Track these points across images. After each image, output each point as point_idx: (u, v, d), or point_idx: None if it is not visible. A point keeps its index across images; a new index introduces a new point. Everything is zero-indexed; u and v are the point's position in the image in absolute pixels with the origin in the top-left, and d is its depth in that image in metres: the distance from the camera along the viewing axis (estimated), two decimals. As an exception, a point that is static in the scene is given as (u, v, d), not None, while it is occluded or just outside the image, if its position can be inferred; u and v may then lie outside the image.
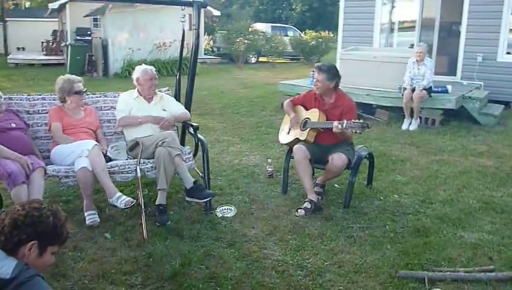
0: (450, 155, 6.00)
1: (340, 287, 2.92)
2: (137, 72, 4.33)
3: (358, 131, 3.87)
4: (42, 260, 1.86)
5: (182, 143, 4.60)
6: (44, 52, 19.97)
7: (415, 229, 3.74)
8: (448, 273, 3.04)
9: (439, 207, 4.25)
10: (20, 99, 4.23)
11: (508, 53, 9.33)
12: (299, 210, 4.02)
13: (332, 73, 4.18)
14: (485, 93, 8.60)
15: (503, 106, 8.61)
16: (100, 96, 4.58)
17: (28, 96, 4.30)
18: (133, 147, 4.09)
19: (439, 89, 7.86)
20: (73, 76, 4.22)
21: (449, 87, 8.00)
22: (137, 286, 2.92)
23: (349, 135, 4.09)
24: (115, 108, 4.36)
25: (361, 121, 3.93)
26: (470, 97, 7.96)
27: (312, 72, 9.03)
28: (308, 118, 4.29)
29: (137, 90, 4.34)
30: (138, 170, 3.84)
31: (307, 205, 4.02)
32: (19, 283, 1.69)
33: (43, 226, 1.83)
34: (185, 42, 4.78)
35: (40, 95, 4.37)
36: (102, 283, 2.93)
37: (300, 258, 3.28)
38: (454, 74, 9.76)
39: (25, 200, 1.92)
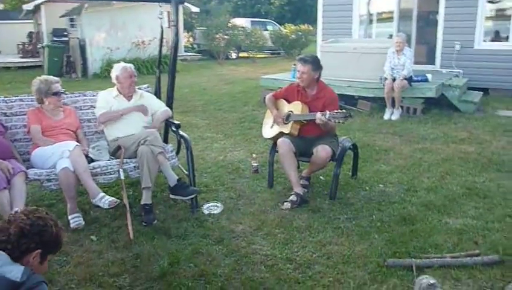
0: (432, 143, 6.06)
1: (330, 279, 2.93)
2: (116, 70, 4.27)
3: (341, 121, 3.88)
4: (41, 268, 1.94)
5: (165, 141, 4.56)
6: (21, 55, 19.56)
7: (401, 218, 3.78)
8: (435, 259, 3.07)
9: (424, 195, 4.29)
10: (-3, 102, 4.13)
11: (485, 41, 9.46)
12: (285, 203, 4.02)
13: (317, 64, 4.20)
14: (464, 80, 8.71)
15: (482, 92, 8.73)
16: (79, 96, 4.50)
17: (5, 98, 4.19)
18: (115, 152, 4.05)
19: (419, 78, 7.93)
20: (51, 77, 4.13)
21: (429, 76, 8.08)
22: (126, 288, 2.89)
23: (332, 126, 4.10)
24: (95, 107, 4.30)
25: (343, 111, 3.94)
26: (449, 85, 8.06)
27: (294, 66, 9.06)
28: (291, 111, 4.29)
29: (117, 89, 4.28)
30: (121, 173, 3.80)
31: (293, 197, 4.03)
32: (28, 288, 1.76)
33: (47, 235, 1.91)
34: (164, 39, 4.73)
35: (17, 96, 4.27)
36: (89, 286, 2.89)
37: (288, 251, 3.28)
38: (434, 63, 9.86)
39: (26, 208, 1.97)
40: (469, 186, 4.45)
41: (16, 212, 1.99)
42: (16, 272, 1.78)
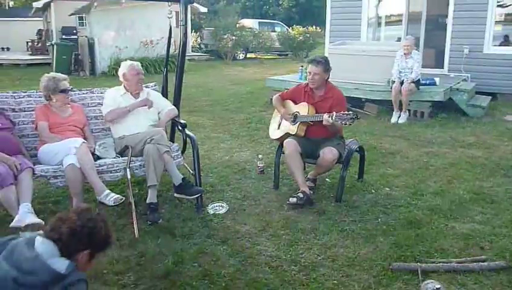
0: (439, 147, 6.03)
1: (334, 281, 2.92)
2: (123, 68, 4.28)
3: (348, 123, 3.86)
4: (88, 265, 1.98)
5: (171, 140, 4.57)
6: (30, 52, 19.70)
7: (407, 222, 3.76)
8: (441, 264, 3.05)
9: (430, 199, 4.27)
10: (6, 97, 4.15)
11: (497, 45, 9.39)
12: (291, 198, 4.01)
13: (327, 64, 4.21)
14: (472, 85, 8.66)
15: (490, 97, 8.67)
16: (87, 93, 4.51)
17: (13, 94, 4.22)
18: (123, 150, 4.06)
19: (427, 82, 7.90)
20: (59, 74, 4.14)
21: (437, 79, 8.05)
22: (130, 286, 2.89)
23: (339, 127, 4.09)
24: (102, 104, 4.30)
25: (350, 112, 3.92)
26: (457, 89, 8.01)
27: (301, 67, 9.06)
28: (297, 112, 4.28)
29: (124, 87, 4.29)
30: (128, 172, 3.81)
31: (300, 195, 4.01)
32: (70, 283, 1.82)
33: (97, 237, 1.95)
34: (172, 39, 4.74)
35: (25, 92, 4.29)
36: (94, 283, 2.88)
37: (293, 253, 3.27)
38: (442, 67, 9.81)
39: (78, 207, 2.03)
40: (476, 191, 4.42)
41: (68, 209, 2.03)
42: (61, 264, 1.83)
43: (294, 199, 3.99)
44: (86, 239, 1.91)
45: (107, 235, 2.01)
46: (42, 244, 1.87)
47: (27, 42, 20.68)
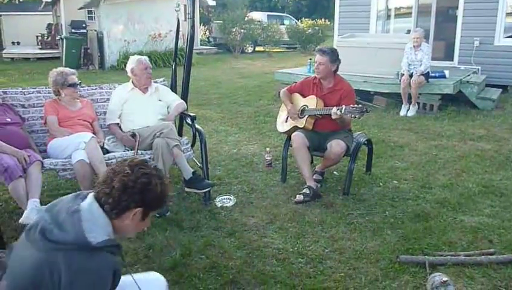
0: (448, 140, 5.99)
1: (341, 274, 2.92)
2: (131, 63, 4.29)
3: (357, 116, 3.85)
4: (142, 224, 1.83)
5: (180, 134, 4.58)
6: (40, 46, 19.82)
7: (414, 215, 3.74)
8: (449, 257, 3.04)
9: (439, 192, 4.25)
10: (15, 93, 4.19)
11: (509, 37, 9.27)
12: (297, 196, 4.02)
13: (335, 55, 4.18)
14: (482, 77, 8.57)
15: (500, 89, 8.58)
16: (96, 89, 4.55)
17: (23, 90, 4.26)
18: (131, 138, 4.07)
19: (437, 74, 7.83)
20: (67, 68, 4.16)
21: (446, 72, 7.97)
22: (138, 277, 2.92)
23: (347, 120, 4.08)
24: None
25: (360, 105, 3.91)
26: (467, 82, 7.93)
27: (309, 60, 9.03)
28: (305, 105, 4.27)
29: (132, 82, 4.31)
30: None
31: (306, 191, 4.02)
32: (93, 255, 1.64)
33: (151, 194, 1.76)
34: (181, 32, 4.74)
35: (35, 88, 4.33)
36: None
37: (300, 245, 3.28)
38: (452, 59, 9.71)
39: (132, 159, 1.81)
40: (485, 184, 4.39)
41: (123, 160, 1.83)
42: (95, 235, 1.65)
43: (301, 197, 3.99)
44: (138, 196, 1.73)
45: (163, 193, 1.81)
46: (89, 203, 1.72)
47: (37, 36, 20.81)
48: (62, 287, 1.57)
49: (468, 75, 8.37)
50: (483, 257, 3.03)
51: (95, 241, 1.63)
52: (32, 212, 3.32)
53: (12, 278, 1.68)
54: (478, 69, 9.15)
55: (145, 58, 4.35)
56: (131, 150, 4.01)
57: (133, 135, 4.02)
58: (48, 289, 1.59)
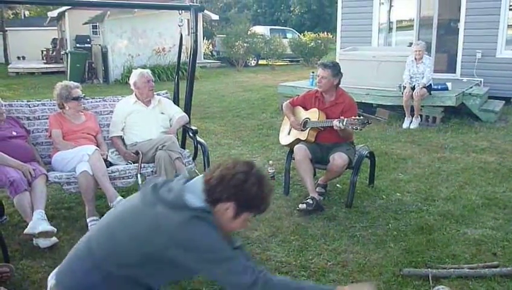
0: (451, 152, 5.99)
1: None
2: (134, 77, 4.35)
3: (358, 128, 3.87)
4: (234, 223, 1.83)
5: (183, 146, 4.60)
6: (45, 61, 20.00)
7: (418, 227, 3.74)
8: (453, 270, 3.03)
9: (442, 204, 4.24)
10: (21, 106, 4.24)
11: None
12: (300, 204, 4.02)
13: (337, 69, 4.21)
14: (485, 89, 8.59)
15: (503, 102, 8.59)
16: (100, 101, 4.59)
17: (28, 103, 4.31)
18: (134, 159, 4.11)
19: (439, 87, 7.85)
20: (71, 82, 4.22)
21: (449, 84, 7.99)
22: None
23: (349, 132, 4.10)
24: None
25: (361, 118, 3.93)
26: (470, 94, 7.95)
27: (312, 73, 9.09)
28: (308, 118, 4.29)
29: (135, 95, 4.35)
30: (139, 178, 3.85)
31: (309, 201, 4.01)
32: (192, 216, 1.71)
33: (245, 192, 1.78)
34: (184, 47, 4.79)
35: (40, 101, 4.39)
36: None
37: (303, 258, 3.28)
38: (454, 71, 9.75)
39: (243, 160, 1.86)
40: (488, 197, 4.38)
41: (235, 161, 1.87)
42: (195, 201, 1.76)
43: (304, 205, 3.99)
44: (231, 189, 1.76)
45: (258, 195, 1.80)
46: (197, 180, 1.83)
47: (42, 51, 21.03)
48: (163, 235, 1.70)
49: (471, 88, 8.39)
50: (486, 269, 3.02)
51: (193, 204, 1.74)
52: (37, 223, 3.34)
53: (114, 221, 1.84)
54: (480, 81, 9.17)
55: (147, 71, 4.41)
56: (133, 163, 4.04)
57: (137, 153, 4.05)
58: (148, 239, 1.72)
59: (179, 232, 1.70)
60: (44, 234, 3.34)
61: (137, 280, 1.81)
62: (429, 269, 3.02)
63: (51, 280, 1.89)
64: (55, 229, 3.42)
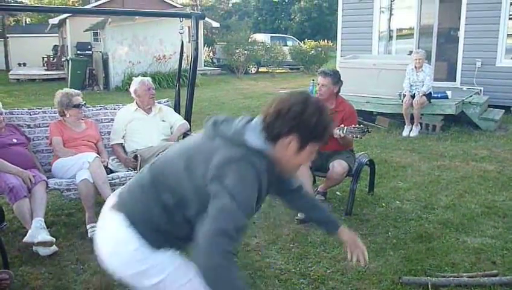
0: (451, 160, 6.00)
1: (344, 295, 2.91)
2: (134, 84, 4.37)
3: (359, 136, 3.88)
4: (300, 157, 1.75)
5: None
6: (45, 68, 20.09)
7: (417, 235, 3.74)
8: (452, 278, 3.02)
9: (442, 212, 4.24)
10: (21, 114, 4.25)
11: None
12: (299, 214, 4.01)
13: (337, 77, 4.23)
14: (485, 98, 8.61)
15: (503, 110, 8.61)
16: (100, 109, 4.61)
17: (29, 110, 4.33)
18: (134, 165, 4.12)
19: (439, 95, 7.88)
20: (72, 90, 4.24)
21: (449, 93, 8.02)
22: (140, 298, 2.91)
23: (349, 140, 4.10)
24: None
25: (361, 126, 3.94)
26: (470, 102, 7.97)
27: (312, 81, 9.11)
28: (307, 126, 4.30)
29: (136, 103, 4.37)
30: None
31: (308, 209, 4.01)
32: (245, 155, 1.65)
33: (305, 123, 1.69)
34: (185, 54, 4.81)
35: (40, 109, 4.40)
36: (105, 295, 2.92)
37: (303, 266, 3.28)
38: (454, 80, 9.78)
39: (285, 94, 1.78)
40: (488, 205, 4.38)
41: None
42: (255, 141, 1.70)
43: (303, 215, 3.99)
44: (290, 122, 1.68)
45: (320, 123, 1.72)
46: (257, 120, 1.77)
47: (43, 58, 21.12)
48: (210, 168, 1.64)
49: (471, 96, 8.42)
50: (486, 278, 3.01)
51: (250, 143, 1.68)
52: (36, 231, 3.33)
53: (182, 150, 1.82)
54: (480, 90, 9.20)
55: (147, 79, 4.43)
56: (134, 170, 4.05)
57: (136, 157, 4.06)
58: (199, 172, 1.68)
59: (224, 166, 1.63)
60: (43, 244, 3.34)
61: (190, 219, 1.73)
62: (428, 278, 3.02)
63: (113, 198, 1.87)
64: (54, 239, 3.41)
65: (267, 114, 1.73)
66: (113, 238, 1.79)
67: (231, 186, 1.59)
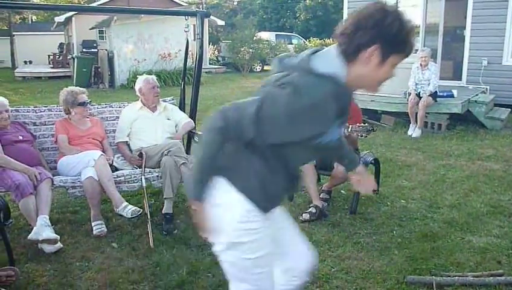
0: (456, 159, 5.97)
1: (348, 294, 2.91)
2: (139, 83, 4.38)
3: (363, 135, 3.87)
4: (381, 71, 1.65)
5: (188, 152, 4.62)
6: (51, 65, 20.17)
7: (422, 234, 3.73)
8: (457, 278, 3.01)
9: (447, 212, 4.22)
10: (27, 111, 4.28)
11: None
12: (303, 214, 4.02)
13: None
14: (490, 97, 8.57)
15: (509, 109, 8.57)
16: (106, 107, 4.62)
17: (35, 108, 4.35)
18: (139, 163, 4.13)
19: (445, 94, 7.85)
20: (77, 88, 4.25)
21: (454, 91, 7.99)
22: (145, 295, 2.92)
23: (354, 139, 4.10)
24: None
25: (366, 124, 3.93)
26: (475, 101, 7.94)
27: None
28: (312, 124, 4.29)
29: (141, 101, 4.38)
30: (143, 180, 3.87)
31: (312, 209, 4.02)
32: (314, 76, 1.60)
33: (386, 30, 1.59)
34: (190, 52, 4.81)
35: (46, 106, 4.42)
36: (109, 292, 2.93)
37: (307, 265, 3.27)
38: (460, 79, 9.74)
39: (362, 7, 1.65)
40: (494, 205, 4.37)
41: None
42: (321, 66, 1.62)
43: (307, 215, 3.99)
44: (371, 31, 1.58)
45: (402, 31, 1.61)
46: (331, 46, 1.71)
47: (48, 56, 21.20)
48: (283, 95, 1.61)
49: (477, 95, 8.39)
50: (491, 278, 3.00)
51: (316, 69, 1.62)
52: (41, 229, 3.35)
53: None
54: (486, 88, 9.16)
55: (152, 77, 4.43)
56: (139, 167, 4.06)
57: (141, 154, 4.07)
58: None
59: (287, 83, 1.61)
60: (48, 241, 3.35)
61: (279, 153, 1.72)
62: (433, 277, 3.01)
63: None
64: (58, 237, 3.43)
65: (345, 28, 1.64)
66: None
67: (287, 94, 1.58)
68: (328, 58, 1.66)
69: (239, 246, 1.76)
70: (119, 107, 4.60)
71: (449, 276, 3.05)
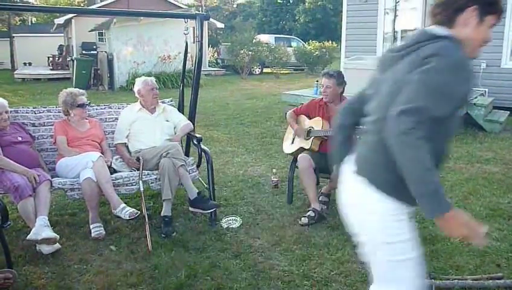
0: (455, 162, 5.97)
1: (347, 297, 2.90)
2: (138, 84, 4.38)
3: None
4: (480, 32, 1.72)
5: (187, 154, 4.62)
6: (51, 67, 20.17)
7: (421, 238, 3.68)
8: (456, 281, 3.01)
9: (446, 215, 4.21)
10: (26, 112, 4.27)
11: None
12: (302, 218, 4.01)
13: (341, 78, 4.24)
14: (489, 100, 8.57)
15: (508, 112, 8.58)
16: (104, 108, 4.62)
17: (34, 109, 4.34)
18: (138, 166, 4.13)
19: (444, 97, 7.83)
20: (76, 89, 4.26)
21: (453, 94, 7.97)
22: (143, 298, 2.91)
23: (353, 141, 4.08)
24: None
25: (364, 127, 3.92)
26: (474, 104, 7.93)
27: (316, 82, 9.09)
28: (311, 126, 4.30)
29: (140, 103, 4.38)
30: (141, 184, 3.86)
31: (311, 213, 4.01)
32: (443, 40, 1.65)
33: None
34: (189, 54, 4.81)
35: (45, 107, 4.42)
36: (107, 295, 2.92)
37: (306, 268, 3.27)
38: (459, 81, 9.73)
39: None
40: (493, 208, 4.36)
41: None
42: (439, 30, 1.70)
43: (306, 220, 3.98)
44: None
45: None
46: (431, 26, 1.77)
47: (48, 57, 21.20)
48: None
49: (475, 97, 8.38)
50: (490, 281, 3.00)
51: (438, 33, 1.68)
52: (40, 229, 3.34)
53: None
54: (485, 91, 9.17)
55: (151, 79, 4.43)
56: (137, 170, 4.05)
57: (138, 159, 4.07)
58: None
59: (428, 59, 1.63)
60: (47, 241, 3.34)
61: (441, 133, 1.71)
62: (432, 280, 3.00)
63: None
64: (58, 236, 3.43)
65: (440, 0, 1.73)
66: None
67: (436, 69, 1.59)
68: (436, 29, 1.72)
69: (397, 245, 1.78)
70: (118, 109, 4.60)
71: (448, 279, 3.05)
